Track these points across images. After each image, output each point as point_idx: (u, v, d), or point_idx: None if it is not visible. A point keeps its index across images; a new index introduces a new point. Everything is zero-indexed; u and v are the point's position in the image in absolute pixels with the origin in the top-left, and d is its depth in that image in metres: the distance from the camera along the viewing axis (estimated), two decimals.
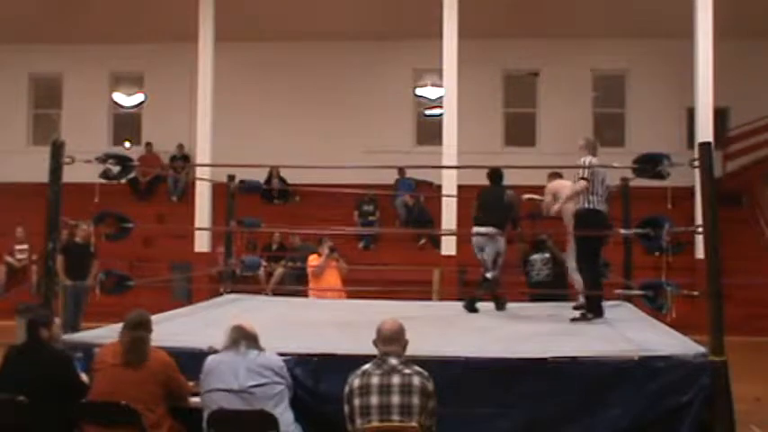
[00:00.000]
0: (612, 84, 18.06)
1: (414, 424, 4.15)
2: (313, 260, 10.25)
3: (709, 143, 5.48)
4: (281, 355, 4.85)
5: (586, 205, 6.65)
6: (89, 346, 5.13)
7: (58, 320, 4.84)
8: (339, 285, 9.99)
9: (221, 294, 8.88)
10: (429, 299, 11.29)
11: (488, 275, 7.69)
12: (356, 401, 4.24)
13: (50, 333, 4.71)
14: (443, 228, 13.76)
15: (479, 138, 16.18)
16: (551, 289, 8.79)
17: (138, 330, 4.65)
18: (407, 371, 4.26)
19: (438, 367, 4.59)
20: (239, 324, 4.71)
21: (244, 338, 4.62)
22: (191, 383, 4.72)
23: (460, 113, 14.05)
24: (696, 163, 5.28)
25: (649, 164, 5.88)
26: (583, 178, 6.65)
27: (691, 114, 15.02)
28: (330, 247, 10.00)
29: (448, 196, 13.20)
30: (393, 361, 4.29)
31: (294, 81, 17.53)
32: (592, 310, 6.74)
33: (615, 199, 7.71)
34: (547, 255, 9.78)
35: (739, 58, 15.51)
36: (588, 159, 6.69)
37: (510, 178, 7.98)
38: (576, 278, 7.48)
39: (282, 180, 16.90)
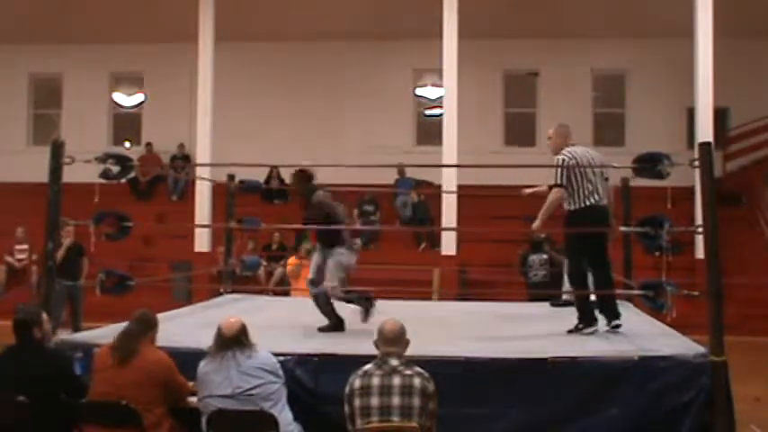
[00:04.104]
0: (612, 84, 18.07)
1: (414, 424, 4.15)
2: (291, 262, 10.30)
3: (709, 143, 5.48)
4: (282, 355, 4.85)
5: (572, 206, 6.00)
6: (89, 346, 5.13)
7: (45, 316, 4.82)
8: None
9: (221, 294, 8.88)
10: (429, 299, 11.30)
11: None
12: (357, 402, 4.24)
13: (42, 332, 4.70)
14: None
15: (479, 138, 16.20)
16: (548, 290, 8.79)
17: (133, 325, 4.66)
18: (408, 372, 4.26)
19: (438, 367, 4.59)
20: (219, 329, 4.60)
21: (225, 344, 4.53)
22: (190, 383, 4.71)
23: (460, 113, 14.06)
24: (696, 163, 5.29)
25: (649, 164, 5.86)
26: (556, 185, 6.00)
27: (691, 114, 15.02)
28: (306, 249, 10.04)
29: (448, 192, 13.23)
30: (394, 362, 4.29)
31: (294, 81, 17.53)
32: (582, 320, 6.10)
33: (616, 198, 7.66)
34: (544, 256, 9.80)
35: (739, 58, 15.52)
36: (560, 158, 6.01)
37: (510, 178, 7.96)
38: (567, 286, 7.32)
39: (281, 180, 16.90)
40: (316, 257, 6.61)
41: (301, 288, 9.97)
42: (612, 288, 6.30)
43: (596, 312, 6.15)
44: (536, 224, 6.24)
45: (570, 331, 6.07)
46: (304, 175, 6.64)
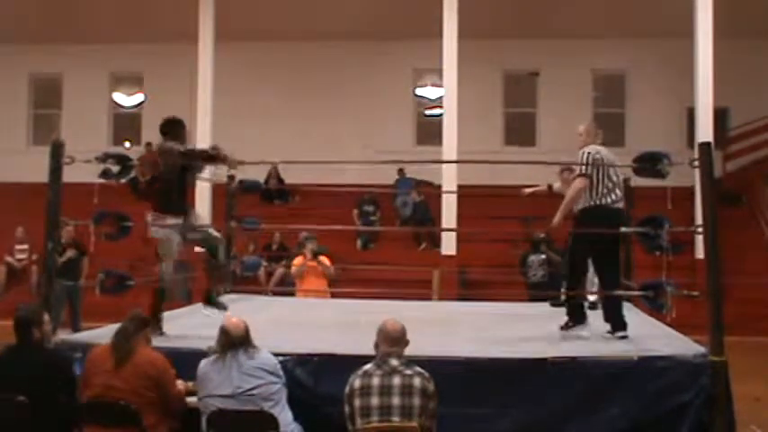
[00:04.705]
0: (612, 84, 18.09)
1: (414, 424, 4.15)
2: (297, 262, 10.30)
3: (708, 143, 5.47)
4: (282, 355, 4.84)
5: (588, 203, 5.85)
6: (89, 347, 5.12)
7: (46, 317, 4.81)
8: (323, 286, 10.00)
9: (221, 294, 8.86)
10: (429, 299, 11.29)
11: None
12: (357, 402, 4.24)
13: (42, 332, 4.69)
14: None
15: (479, 138, 16.21)
16: (547, 289, 8.78)
17: (128, 324, 4.66)
18: (408, 372, 4.26)
19: (438, 367, 4.59)
20: (225, 329, 4.61)
21: (231, 344, 4.54)
22: (189, 384, 4.71)
23: (460, 113, 14.07)
24: (696, 163, 5.28)
25: (649, 163, 5.85)
26: (581, 175, 5.84)
27: (691, 114, 15.03)
28: (311, 250, 10.01)
29: (448, 192, 13.24)
30: (394, 362, 4.28)
31: (294, 81, 17.54)
32: (571, 317, 6.02)
33: None
34: (543, 256, 9.79)
35: (739, 58, 15.53)
36: (587, 151, 5.87)
37: (510, 178, 7.96)
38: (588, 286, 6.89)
39: (281, 180, 16.91)
40: (174, 235, 5.84)
41: (306, 288, 9.98)
42: (618, 297, 6.06)
43: (587, 311, 6.13)
44: (557, 218, 6.05)
45: (562, 327, 6.02)
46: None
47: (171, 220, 5.84)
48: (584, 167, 5.81)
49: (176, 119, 6.06)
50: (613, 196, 5.85)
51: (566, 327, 6.04)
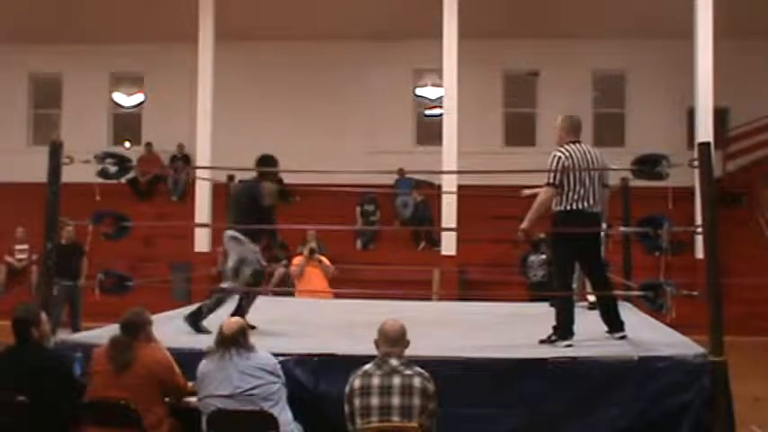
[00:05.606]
0: (612, 84, 18.08)
1: (414, 424, 4.15)
2: (296, 261, 10.29)
3: (708, 143, 5.46)
4: (282, 355, 4.84)
5: (558, 207, 5.56)
6: (89, 347, 5.13)
7: (44, 317, 4.80)
8: (324, 286, 9.98)
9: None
10: (429, 299, 11.30)
11: (223, 284, 6.51)
12: (357, 402, 4.24)
13: (40, 332, 4.68)
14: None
15: (479, 138, 16.22)
16: (547, 290, 8.77)
17: (123, 333, 4.64)
18: (408, 372, 4.26)
19: (438, 367, 4.59)
20: (222, 329, 4.62)
21: (230, 344, 4.54)
22: (190, 384, 4.71)
23: (460, 113, 14.08)
24: (696, 163, 5.28)
25: (648, 164, 5.83)
26: (549, 184, 5.54)
27: (691, 114, 15.03)
28: (310, 249, 9.99)
29: (448, 193, 13.25)
30: (394, 362, 4.29)
31: (294, 81, 17.53)
32: (557, 330, 5.57)
33: (615, 199, 7.63)
34: (543, 256, 9.78)
35: (739, 58, 15.51)
36: (558, 155, 5.55)
37: (510, 178, 7.95)
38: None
39: (279, 180, 16.88)
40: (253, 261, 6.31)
41: (302, 290, 9.98)
42: (612, 296, 5.96)
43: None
44: (524, 224, 5.71)
45: (542, 341, 5.54)
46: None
47: (256, 247, 6.31)
48: (551, 176, 5.51)
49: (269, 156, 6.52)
50: (587, 202, 5.53)
51: (548, 340, 5.54)
